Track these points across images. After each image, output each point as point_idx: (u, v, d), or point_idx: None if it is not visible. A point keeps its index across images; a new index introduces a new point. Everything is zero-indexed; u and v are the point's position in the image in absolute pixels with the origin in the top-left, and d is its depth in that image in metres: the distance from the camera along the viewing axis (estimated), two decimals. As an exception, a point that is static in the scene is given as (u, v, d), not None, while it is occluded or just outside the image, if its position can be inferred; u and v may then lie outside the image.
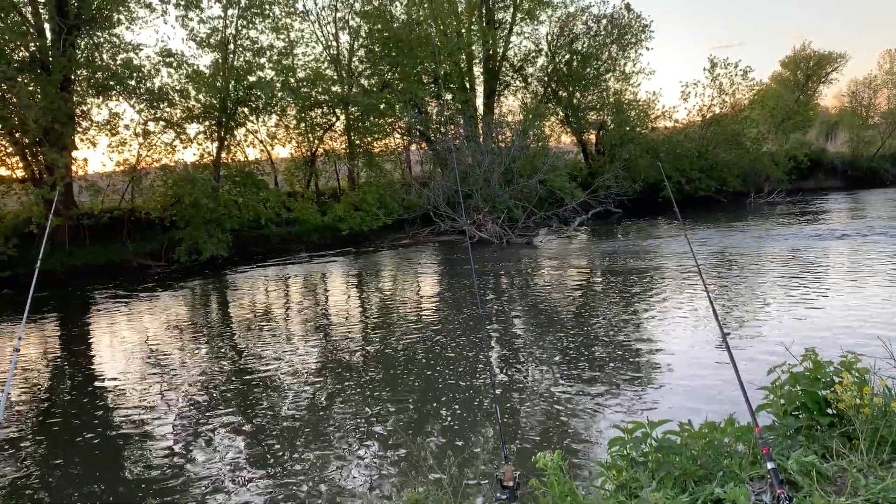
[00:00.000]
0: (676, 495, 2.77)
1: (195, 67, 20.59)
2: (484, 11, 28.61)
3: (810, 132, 43.92)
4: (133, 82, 19.17)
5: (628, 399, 6.85)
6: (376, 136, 25.68)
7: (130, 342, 11.02)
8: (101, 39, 19.59)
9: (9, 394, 7.93)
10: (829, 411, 3.46)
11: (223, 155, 21.79)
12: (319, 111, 24.61)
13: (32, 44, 17.65)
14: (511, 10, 28.83)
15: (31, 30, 17.90)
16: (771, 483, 2.43)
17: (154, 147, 20.69)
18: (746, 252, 16.34)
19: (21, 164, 18.34)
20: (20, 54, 17.59)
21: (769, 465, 2.46)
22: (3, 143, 18.15)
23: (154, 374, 8.92)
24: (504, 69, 30.69)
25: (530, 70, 31.49)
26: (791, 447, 3.15)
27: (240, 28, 21.03)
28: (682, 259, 15.57)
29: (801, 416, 3.50)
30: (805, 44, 45.98)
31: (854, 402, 3.18)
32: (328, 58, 25.24)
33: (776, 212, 26.39)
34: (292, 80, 22.43)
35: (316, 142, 25.07)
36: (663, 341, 9.01)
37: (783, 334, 8.45)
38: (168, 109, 20.39)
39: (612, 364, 8.07)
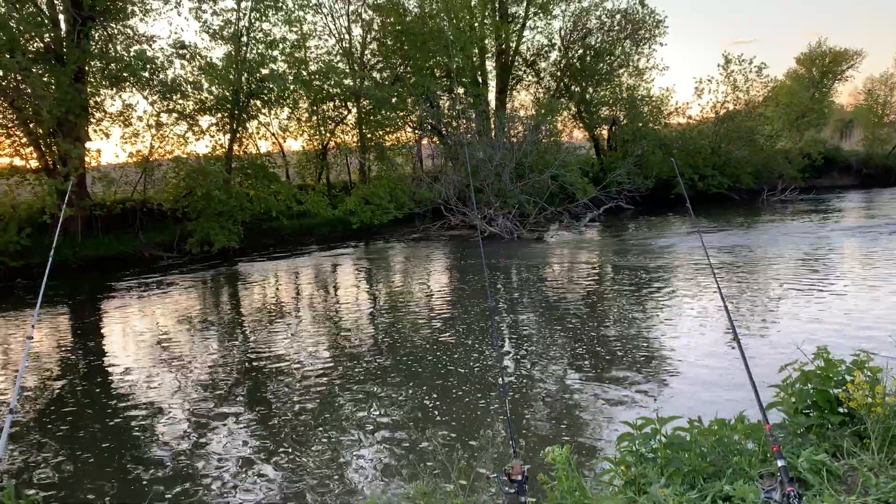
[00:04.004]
0: (685, 491, 2.76)
1: (208, 59, 20.66)
2: (497, 5, 28.50)
3: (825, 130, 43.54)
4: (146, 74, 19.22)
5: (638, 395, 6.84)
6: (388, 129, 25.68)
7: (142, 332, 11.09)
8: (115, 31, 19.66)
9: (22, 382, 8.01)
10: (841, 410, 3.44)
11: (235, 147, 21.85)
12: (331, 104, 24.63)
13: (47, 35, 17.73)
14: (524, 4, 28.69)
15: (46, 21, 17.98)
16: (781, 481, 2.42)
17: (167, 139, 20.78)
18: (758, 250, 16.25)
19: (35, 155, 18.45)
20: (35, 45, 17.68)
21: (779, 463, 2.45)
22: (18, 133, 18.26)
23: (165, 364, 8.98)
24: (517, 64, 30.59)
25: (543, 65, 31.42)
26: (801, 445, 3.14)
27: (253, 20, 21.06)
28: (694, 256, 15.50)
29: (811, 414, 3.49)
30: (821, 40, 45.52)
31: (866, 400, 3.17)
32: (340, 51, 25.24)
33: (789, 210, 26.21)
34: (304, 73, 22.44)
35: (327, 135, 25.09)
36: (674, 338, 8.98)
37: (795, 332, 8.40)
38: (181, 101, 20.44)
39: (621, 360, 8.05)
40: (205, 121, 21.16)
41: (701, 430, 3.21)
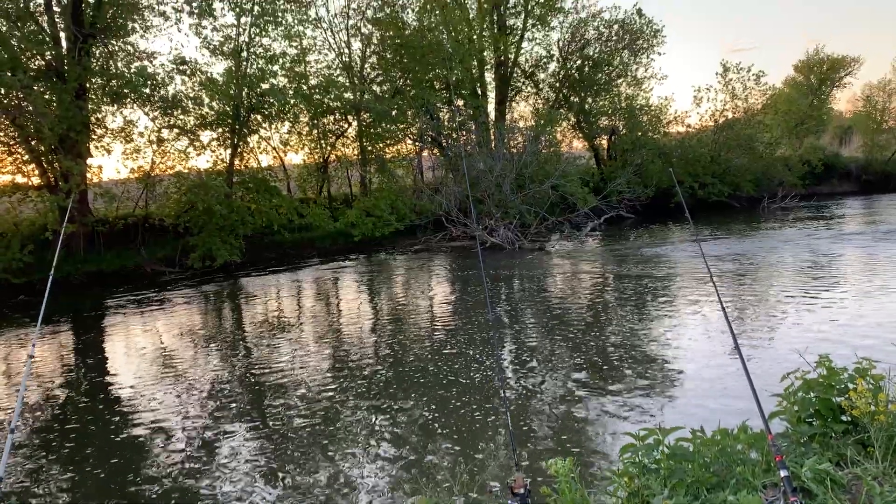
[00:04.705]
0: (689, 503, 2.75)
1: (209, 75, 20.75)
2: (495, 18, 28.66)
3: (824, 136, 43.65)
4: (147, 90, 19.31)
5: (640, 406, 6.82)
6: (388, 142, 25.77)
7: (144, 348, 11.09)
8: (116, 48, 19.79)
9: (24, 399, 8.01)
10: (844, 418, 3.44)
11: (236, 161, 21.91)
12: (332, 118, 24.73)
13: (48, 52, 17.84)
14: (523, 16, 28.83)
15: (47, 39, 18.09)
16: (784, 491, 2.42)
17: (168, 154, 20.86)
18: (759, 258, 16.24)
19: (37, 172, 18.53)
20: (36, 63, 17.78)
21: (782, 473, 2.44)
22: (20, 150, 18.34)
23: (167, 379, 8.98)
24: (516, 75, 30.71)
25: (542, 76, 31.54)
26: (805, 454, 3.13)
27: (253, 36, 21.17)
28: (695, 265, 15.49)
29: (814, 423, 3.48)
30: (819, 48, 45.70)
31: (869, 409, 3.16)
32: (340, 65, 25.37)
33: (790, 217, 26.21)
34: (305, 87, 22.54)
35: (328, 148, 25.18)
36: (675, 347, 8.97)
37: (796, 341, 8.39)
38: (182, 117, 20.52)
39: (624, 370, 8.04)
40: (206, 136, 21.27)
41: (704, 440, 3.21)
